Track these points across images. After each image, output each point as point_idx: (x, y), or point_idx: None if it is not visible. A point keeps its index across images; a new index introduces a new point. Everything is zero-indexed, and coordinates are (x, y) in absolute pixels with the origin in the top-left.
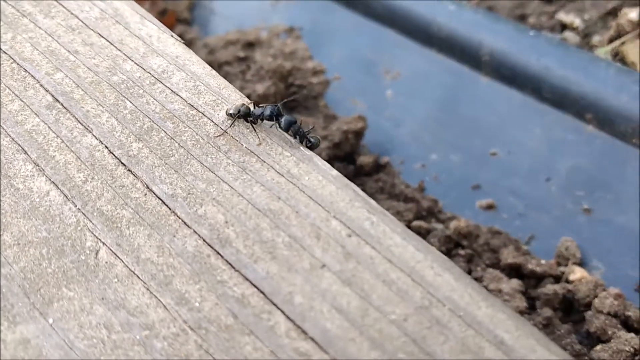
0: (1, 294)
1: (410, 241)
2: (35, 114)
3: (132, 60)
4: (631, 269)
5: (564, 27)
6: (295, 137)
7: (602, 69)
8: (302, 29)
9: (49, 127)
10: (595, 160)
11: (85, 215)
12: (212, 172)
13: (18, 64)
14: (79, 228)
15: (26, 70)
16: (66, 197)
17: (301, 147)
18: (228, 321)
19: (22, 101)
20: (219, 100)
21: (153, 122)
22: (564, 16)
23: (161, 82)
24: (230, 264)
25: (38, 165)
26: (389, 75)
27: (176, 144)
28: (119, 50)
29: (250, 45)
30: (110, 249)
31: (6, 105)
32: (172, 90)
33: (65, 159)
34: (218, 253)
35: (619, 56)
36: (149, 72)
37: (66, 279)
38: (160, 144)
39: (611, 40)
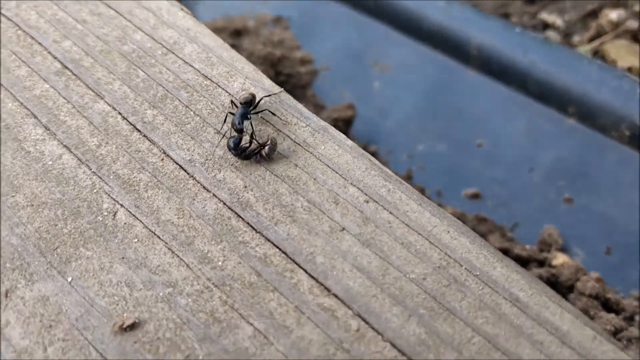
0: (17, 253)
1: (426, 207)
2: (44, 80)
3: (142, 31)
4: (609, 255)
5: (545, 26)
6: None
7: (584, 65)
8: (289, 19)
9: (59, 93)
10: (576, 152)
11: (101, 178)
12: None
13: (24, 31)
14: (94, 190)
15: (33, 38)
16: (80, 160)
17: (313, 118)
18: (252, 279)
19: (30, 67)
20: (232, 71)
21: (167, 90)
22: (546, 16)
23: (173, 53)
24: (251, 225)
25: (49, 130)
26: (377, 67)
27: (191, 112)
28: (129, 21)
29: (237, 33)
30: (129, 211)
31: (13, 70)
32: (184, 61)
33: (77, 124)
34: (239, 215)
35: (598, 54)
36: (160, 43)
37: (83, 239)
38: (175, 112)
39: (591, 40)
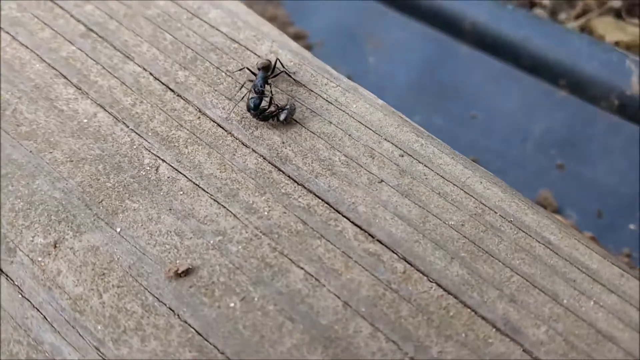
0: (61, 206)
1: (458, 160)
2: (70, 42)
3: None
4: (600, 218)
5: (532, 5)
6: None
7: (574, 39)
8: None
9: (87, 55)
10: (567, 122)
11: (139, 135)
12: None
13: None
14: (134, 146)
15: (53, 1)
16: (116, 118)
17: (343, 79)
18: (298, 227)
19: (53, 30)
20: (259, 35)
21: (196, 53)
22: None
23: (198, 17)
24: (292, 178)
25: (80, 89)
26: (372, 44)
27: (223, 74)
28: None
29: None
30: (171, 165)
31: (36, 33)
32: (211, 25)
33: (109, 84)
34: (279, 169)
35: (585, 31)
36: (184, 8)
37: (128, 192)
38: (206, 73)
39: (578, 17)
